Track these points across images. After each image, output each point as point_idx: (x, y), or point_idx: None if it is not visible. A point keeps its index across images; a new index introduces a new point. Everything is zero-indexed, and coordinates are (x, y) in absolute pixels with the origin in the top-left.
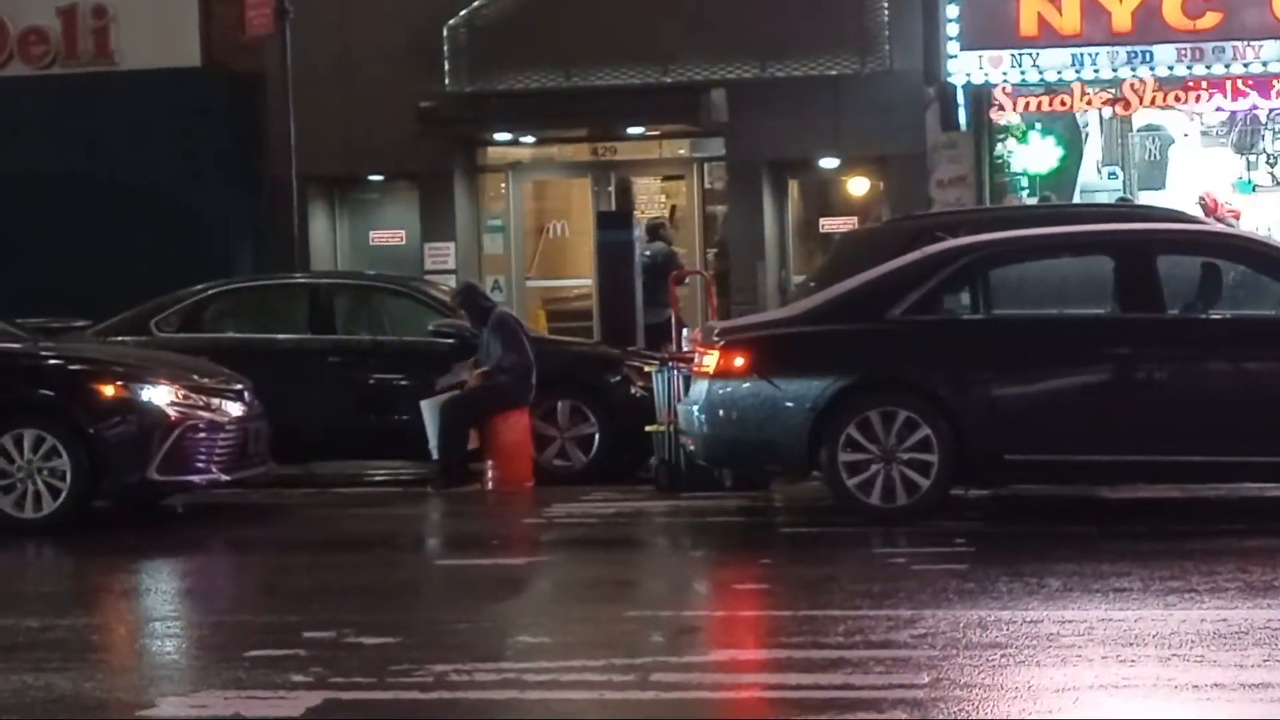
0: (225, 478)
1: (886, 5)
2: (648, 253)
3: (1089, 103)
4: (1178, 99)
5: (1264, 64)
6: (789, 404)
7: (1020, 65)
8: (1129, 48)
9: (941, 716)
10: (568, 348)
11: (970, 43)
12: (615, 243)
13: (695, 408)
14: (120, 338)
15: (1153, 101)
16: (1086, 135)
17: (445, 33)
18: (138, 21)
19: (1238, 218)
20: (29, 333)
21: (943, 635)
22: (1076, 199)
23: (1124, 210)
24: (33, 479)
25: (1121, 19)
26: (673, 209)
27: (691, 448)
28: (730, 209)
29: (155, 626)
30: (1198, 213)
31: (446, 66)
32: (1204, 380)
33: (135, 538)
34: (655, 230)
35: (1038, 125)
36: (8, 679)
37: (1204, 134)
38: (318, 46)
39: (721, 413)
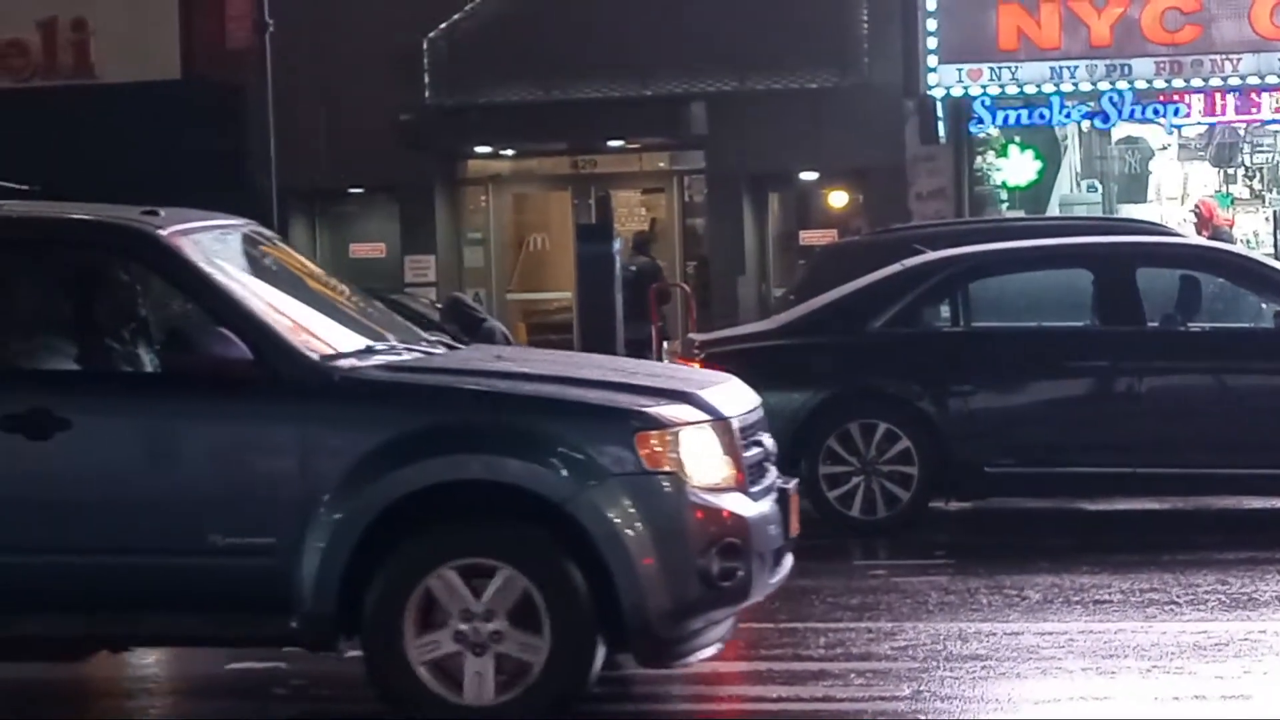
0: None
1: (866, 18)
2: (633, 267)
3: (1067, 116)
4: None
5: (1242, 77)
6: (768, 416)
7: (999, 78)
8: (1108, 61)
9: None
10: None
11: (949, 56)
12: (595, 255)
13: None
14: None
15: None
16: (1065, 148)
17: (425, 46)
18: (117, 34)
19: (1232, 226)
20: None
21: (923, 647)
22: (1054, 212)
23: (1103, 223)
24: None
25: (1100, 32)
26: (652, 222)
27: None
28: (710, 222)
29: None
30: (1191, 221)
31: (427, 80)
32: (1183, 393)
33: None
34: (643, 245)
35: (1017, 138)
36: None
37: (1182, 147)
38: (298, 59)
39: None
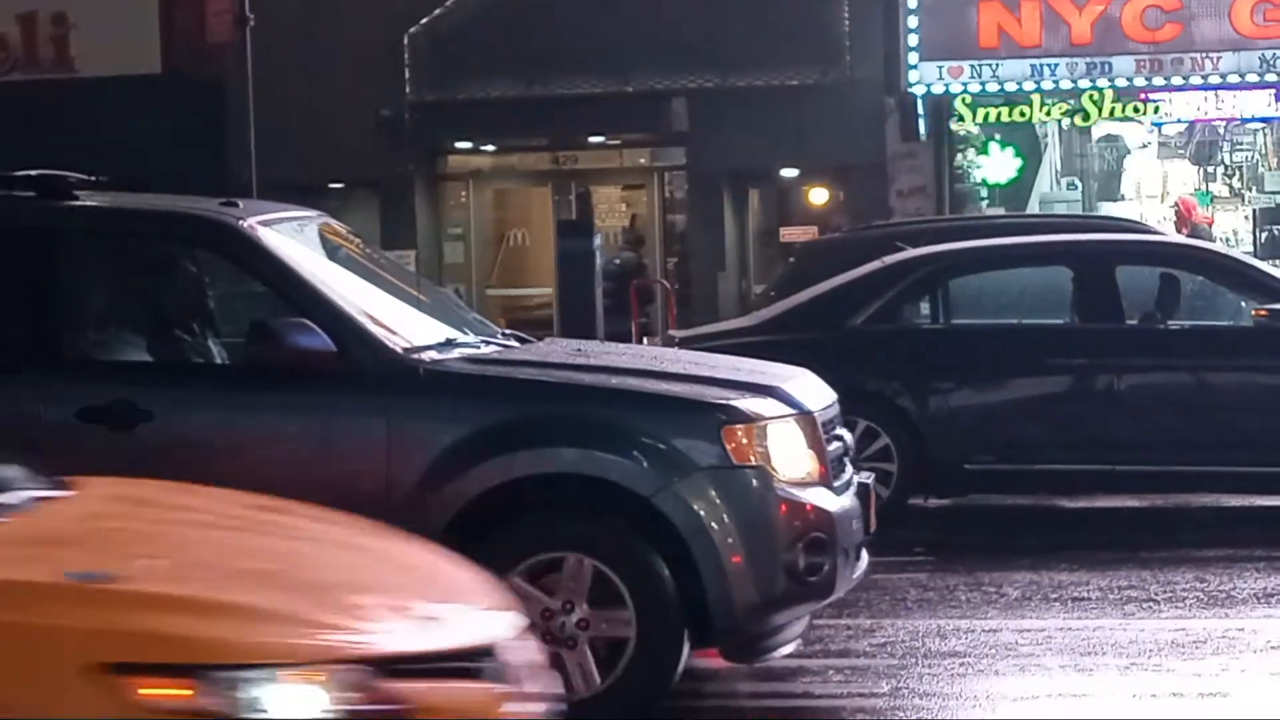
0: None
1: (847, 16)
2: (617, 260)
3: (1048, 114)
4: (1136, 110)
5: (1222, 76)
6: None
7: (980, 76)
8: (1088, 59)
9: None
10: None
11: (930, 53)
12: (576, 251)
13: None
14: None
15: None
16: (1045, 146)
17: (407, 41)
18: (98, 28)
19: (1211, 224)
20: None
21: (902, 644)
22: (1034, 209)
23: (1083, 221)
24: None
25: (1081, 30)
26: (633, 218)
27: None
28: (690, 218)
29: None
30: (1170, 219)
31: (408, 75)
32: (1162, 391)
33: None
34: (633, 241)
35: (997, 136)
36: None
37: (1162, 145)
38: (279, 53)
39: None
